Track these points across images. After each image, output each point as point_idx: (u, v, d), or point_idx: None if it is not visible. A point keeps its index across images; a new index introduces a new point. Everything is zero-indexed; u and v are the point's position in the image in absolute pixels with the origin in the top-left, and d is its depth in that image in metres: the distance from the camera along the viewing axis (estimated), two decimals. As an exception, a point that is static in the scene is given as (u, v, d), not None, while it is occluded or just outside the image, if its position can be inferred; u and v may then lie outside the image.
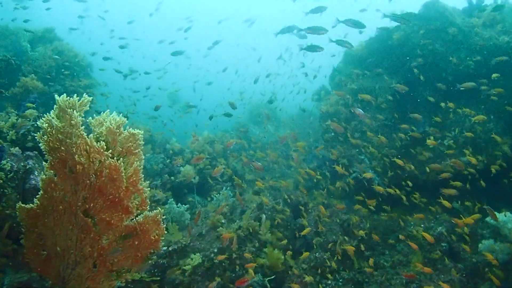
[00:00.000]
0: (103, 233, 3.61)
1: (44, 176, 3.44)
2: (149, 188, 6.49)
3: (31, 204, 3.41)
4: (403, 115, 7.74)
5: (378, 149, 7.64)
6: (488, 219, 5.86)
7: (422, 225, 6.86)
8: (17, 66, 8.72)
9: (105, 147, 3.21)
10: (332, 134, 8.37)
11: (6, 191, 4.14)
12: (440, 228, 6.67)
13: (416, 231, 6.73)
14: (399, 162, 6.78)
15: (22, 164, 4.54)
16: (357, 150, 7.99)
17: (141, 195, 3.46)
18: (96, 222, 3.56)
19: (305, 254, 6.35)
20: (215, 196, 7.78)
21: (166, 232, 6.30)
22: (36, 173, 4.58)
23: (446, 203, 6.09)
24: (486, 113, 6.88)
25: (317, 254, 6.49)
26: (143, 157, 3.53)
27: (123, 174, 3.25)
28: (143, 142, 3.50)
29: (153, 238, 3.75)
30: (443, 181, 6.82)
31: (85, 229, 3.51)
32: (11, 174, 4.31)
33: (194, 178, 8.68)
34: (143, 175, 3.47)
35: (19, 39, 10.36)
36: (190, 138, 10.34)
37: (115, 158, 3.25)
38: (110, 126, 3.35)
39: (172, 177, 8.46)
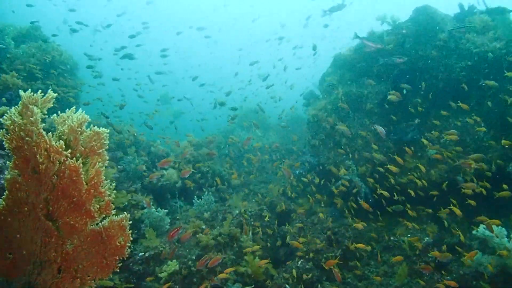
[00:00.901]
0: (67, 237, 3.42)
1: (8, 176, 3.25)
2: (127, 193, 6.27)
3: None
4: (392, 121, 7.58)
5: (366, 155, 7.46)
6: (475, 231, 5.68)
7: (409, 235, 6.67)
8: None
9: (63, 146, 2.99)
10: (319, 139, 8.18)
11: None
12: (427, 238, 6.49)
13: (402, 241, 6.56)
14: (394, 169, 6.59)
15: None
16: (344, 156, 7.81)
17: (103, 198, 3.24)
18: (60, 226, 3.34)
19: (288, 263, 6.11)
20: (196, 201, 7.56)
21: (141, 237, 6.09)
22: (6, 172, 4.39)
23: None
24: (477, 121, 6.73)
25: (299, 263, 6.28)
26: (107, 157, 3.30)
27: (82, 175, 3.03)
28: (108, 142, 3.28)
29: (118, 244, 3.52)
30: (431, 190, 6.69)
31: (49, 233, 3.32)
32: None
33: (177, 182, 8.45)
34: (104, 177, 3.24)
35: (3, 35, 10.16)
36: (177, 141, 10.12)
37: (74, 158, 3.03)
38: (71, 124, 3.13)
39: (154, 181, 8.22)
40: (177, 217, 7.44)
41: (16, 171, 3.28)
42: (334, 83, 8.27)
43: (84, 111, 3.29)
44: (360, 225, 6.42)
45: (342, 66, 8.60)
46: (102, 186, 3.26)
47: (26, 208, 3.29)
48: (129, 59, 9.79)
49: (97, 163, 3.31)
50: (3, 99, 6.87)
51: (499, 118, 6.67)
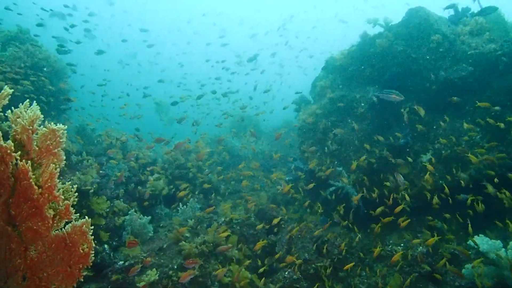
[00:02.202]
0: (30, 243, 3.18)
1: None
2: (107, 199, 6.02)
3: None
4: (384, 126, 7.35)
5: (356, 161, 7.23)
6: (470, 242, 5.41)
7: (402, 244, 6.41)
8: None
9: (12, 147, 2.77)
10: (310, 145, 7.95)
11: None
12: (421, 248, 6.22)
13: (395, 250, 6.29)
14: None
15: None
16: (336, 162, 7.57)
17: (58, 203, 3.00)
18: (22, 231, 3.11)
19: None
20: (181, 208, 7.30)
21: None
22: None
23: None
24: (473, 125, 6.50)
25: (286, 273, 6.01)
26: (64, 157, 3.07)
27: (31, 179, 2.79)
28: (65, 139, 3.05)
29: (82, 251, 3.28)
30: (426, 197, 6.44)
31: (11, 238, 3.10)
32: None
33: (163, 189, 8.19)
34: (58, 181, 3.01)
35: (-13, 38, 9.99)
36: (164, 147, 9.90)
37: (24, 160, 2.81)
38: (22, 122, 2.90)
39: (140, 187, 7.97)
40: (161, 224, 7.18)
41: None
42: (325, 86, 8.07)
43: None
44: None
45: (334, 70, 8.41)
46: (57, 190, 3.03)
47: (-2, 211, 3.10)
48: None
49: (51, 164, 3.08)
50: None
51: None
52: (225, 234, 6.28)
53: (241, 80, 16.13)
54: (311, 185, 7.38)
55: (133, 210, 6.77)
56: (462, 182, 6.19)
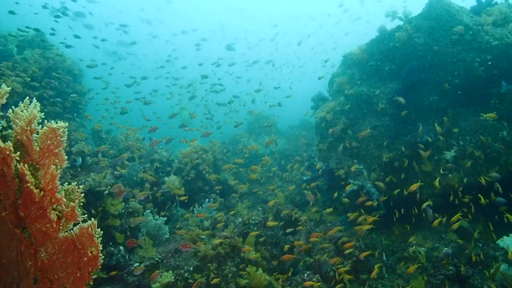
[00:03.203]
0: (40, 245, 3.09)
1: None
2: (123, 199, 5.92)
3: None
4: (406, 122, 7.09)
5: (378, 160, 6.99)
6: (500, 241, 5.13)
7: (426, 246, 6.14)
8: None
9: (11, 148, 2.67)
10: (328, 143, 7.73)
11: None
12: (446, 249, 5.96)
13: (419, 252, 6.03)
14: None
15: None
16: (355, 160, 7.34)
17: (61, 205, 2.88)
18: (32, 233, 3.02)
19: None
20: (197, 209, 7.17)
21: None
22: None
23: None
24: (499, 120, 6.19)
25: (305, 275, 5.80)
26: (65, 157, 2.95)
27: (30, 182, 2.70)
28: (66, 138, 2.94)
29: (91, 254, 3.16)
30: (451, 195, 6.18)
31: (21, 240, 3.01)
32: None
33: (180, 189, 8.08)
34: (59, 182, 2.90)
35: (7, 42, 10.08)
36: (180, 148, 9.79)
37: (22, 163, 2.72)
38: (20, 123, 2.80)
39: (155, 188, 7.88)
40: (177, 225, 7.06)
41: None
42: (343, 82, 7.83)
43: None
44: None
45: (352, 65, 8.17)
46: (59, 192, 2.92)
47: (3, 214, 3.03)
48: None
49: (51, 166, 2.97)
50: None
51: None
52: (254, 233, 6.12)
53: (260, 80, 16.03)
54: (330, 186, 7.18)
55: (149, 211, 6.67)
56: (483, 180, 5.91)
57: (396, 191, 6.50)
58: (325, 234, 6.62)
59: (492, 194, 5.81)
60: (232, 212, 7.38)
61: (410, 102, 6.94)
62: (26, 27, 9.83)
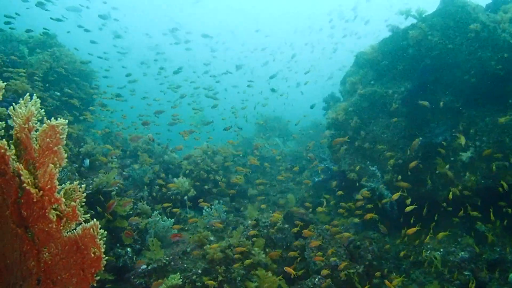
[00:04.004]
0: (43, 245, 3.02)
1: None
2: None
3: None
4: (421, 122, 6.91)
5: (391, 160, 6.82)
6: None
7: (442, 250, 5.96)
8: (6, 70, 8.37)
9: (5, 146, 2.61)
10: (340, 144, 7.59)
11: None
12: (462, 253, 5.77)
13: (434, 256, 5.85)
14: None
15: None
16: (368, 162, 7.18)
17: (61, 205, 2.81)
18: (35, 232, 2.96)
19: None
20: (206, 210, 7.08)
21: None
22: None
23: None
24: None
25: (316, 280, 5.66)
26: (65, 156, 2.88)
27: (27, 180, 2.64)
28: (65, 136, 2.87)
29: (93, 255, 3.08)
30: (466, 197, 5.99)
31: (23, 240, 2.96)
32: None
33: (189, 191, 8.01)
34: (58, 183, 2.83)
35: (18, 44, 10.15)
36: (190, 150, 9.73)
37: (17, 162, 2.67)
38: (17, 120, 2.74)
39: (164, 189, 7.81)
40: (186, 227, 6.98)
41: None
42: (356, 82, 7.68)
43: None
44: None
45: (365, 65, 8.01)
46: (57, 192, 2.84)
47: (6, 213, 2.98)
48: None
49: (50, 164, 2.89)
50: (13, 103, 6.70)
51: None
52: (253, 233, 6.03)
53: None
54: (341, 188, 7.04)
55: (157, 212, 6.60)
56: (505, 185, 5.71)
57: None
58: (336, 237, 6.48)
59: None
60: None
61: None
62: (44, 28, 9.94)
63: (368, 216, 6.17)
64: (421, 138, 6.50)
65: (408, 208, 5.85)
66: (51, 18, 10.82)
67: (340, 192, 7.31)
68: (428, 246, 6.08)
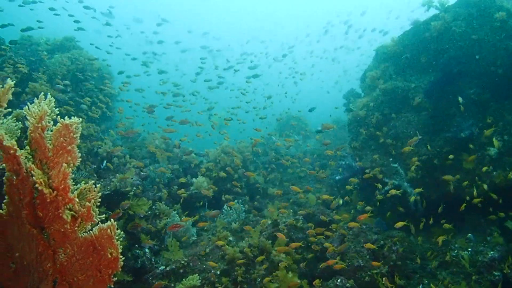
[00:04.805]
0: (59, 246, 3.02)
1: (5, 178, 2.94)
2: (147, 200, 5.86)
3: (0, 210, 2.97)
4: (445, 117, 6.70)
5: (415, 157, 6.64)
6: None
7: (470, 249, 5.75)
8: (28, 73, 8.50)
9: (15, 146, 2.61)
10: (361, 141, 7.44)
11: (-27, 194, 3.72)
12: (492, 252, 5.56)
13: (461, 256, 5.65)
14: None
15: (0, 167, 4.17)
16: (391, 159, 7.01)
17: (74, 206, 2.78)
18: (51, 233, 2.96)
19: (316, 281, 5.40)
20: (225, 210, 7.03)
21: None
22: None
23: None
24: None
25: (338, 281, 5.53)
26: (79, 155, 2.85)
27: (39, 180, 2.62)
28: (79, 134, 2.84)
29: (110, 256, 3.06)
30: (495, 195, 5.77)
31: (38, 241, 2.96)
32: None
33: (208, 191, 7.98)
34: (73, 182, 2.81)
35: (37, 47, 10.34)
36: (210, 149, 9.71)
37: (30, 162, 2.66)
38: (31, 120, 2.72)
39: (183, 189, 7.80)
40: (205, 227, 6.94)
41: (11, 172, 2.99)
42: (376, 77, 7.52)
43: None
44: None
45: (386, 59, 7.82)
46: (71, 192, 2.82)
47: (22, 213, 2.99)
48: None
49: (63, 164, 2.87)
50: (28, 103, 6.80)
51: None
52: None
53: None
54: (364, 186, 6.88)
55: (176, 212, 6.58)
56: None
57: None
58: (359, 237, 6.34)
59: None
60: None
61: (448, 95, 6.57)
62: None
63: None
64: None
65: (440, 209, 5.71)
66: (75, 24, 11.03)
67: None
68: (456, 246, 5.89)
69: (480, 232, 6.02)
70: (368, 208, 6.58)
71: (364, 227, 6.51)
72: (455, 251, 5.82)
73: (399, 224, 5.75)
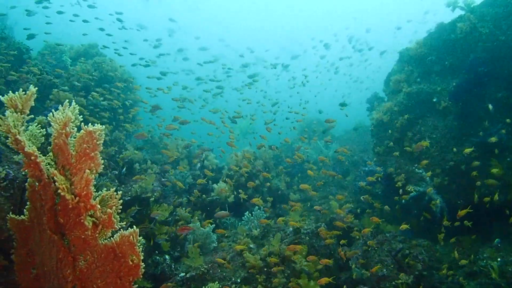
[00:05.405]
0: (79, 252, 3.08)
1: (27, 184, 3.02)
2: (168, 205, 5.90)
3: (22, 216, 3.12)
4: (473, 121, 6.53)
5: (441, 163, 6.50)
6: None
7: (499, 259, 5.57)
8: (50, 80, 8.72)
9: (36, 152, 2.68)
10: (385, 146, 7.32)
11: (-3, 200, 3.82)
12: (524, 263, 5.37)
13: (491, 266, 5.48)
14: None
15: (23, 173, 4.29)
16: (416, 164, 6.87)
17: (96, 212, 2.82)
18: (71, 240, 3.01)
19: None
20: (246, 216, 7.02)
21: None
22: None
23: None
24: None
25: (361, 290, 5.45)
26: (102, 161, 2.89)
27: (61, 186, 2.67)
28: (102, 141, 2.88)
29: (131, 263, 3.08)
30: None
31: (59, 247, 3.02)
32: (5, 183, 3.99)
33: (229, 197, 7.99)
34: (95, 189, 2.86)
35: (61, 54, 10.60)
36: (230, 155, 9.72)
37: (53, 168, 2.72)
38: (55, 126, 2.78)
39: (204, 195, 7.83)
40: (226, 234, 6.94)
41: (33, 178, 3.07)
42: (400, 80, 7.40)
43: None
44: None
45: (410, 62, 7.70)
46: (93, 198, 2.86)
47: (44, 219, 3.06)
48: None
49: (86, 170, 2.91)
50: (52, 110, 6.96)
51: None
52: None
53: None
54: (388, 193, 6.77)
55: (196, 218, 6.61)
56: None
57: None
58: (383, 245, 6.23)
59: None
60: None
61: (475, 98, 6.40)
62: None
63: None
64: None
65: (462, 212, 5.55)
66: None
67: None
68: (484, 255, 5.72)
69: (510, 241, 5.83)
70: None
71: (388, 235, 6.40)
72: (484, 261, 5.65)
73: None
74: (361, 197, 7.60)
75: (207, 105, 12.52)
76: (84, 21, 11.21)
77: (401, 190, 6.78)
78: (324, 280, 5.31)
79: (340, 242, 6.46)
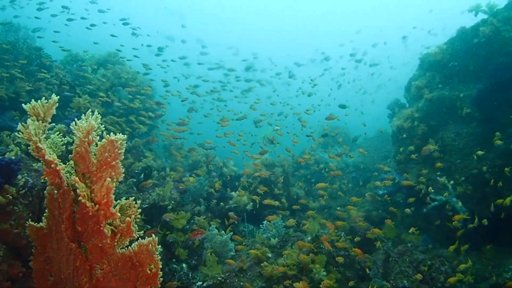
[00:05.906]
0: (96, 261, 3.12)
1: (46, 192, 3.09)
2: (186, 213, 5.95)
3: (41, 223, 3.15)
4: (497, 128, 6.39)
5: (465, 171, 6.38)
6: None
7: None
8: (73, 88, 8.93)
9: (56, 160, 2.74)
10: (406, 154, 7.23)
11: (16, 208, 3.86)
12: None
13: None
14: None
15: (42, 180, 4.39)
16: (438, 173, 6.76)
17: (115, 220, 2.85)
18: (88, 248, 3.06)
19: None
20: (264, 225, 7.01)
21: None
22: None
23: None
24: None
25: (382, 302, 5.38)
26: (122, 170, 2.93)
27: (82, 194, 2.72)
28: (124, 150, 2.93)
29: (150, 272, 3.11)
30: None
31: (76, 255, 3.07)
32: (24, 190, 4.08)
33: (247, 205, 8.00)
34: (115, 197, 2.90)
35: (82, 63, 10.83)
36: (249, 162, 9.74)
37: (73, 175, 2.77)
38: (78, 134, 2.84)
39: (222, 203, 7.86)
40: (244, 242, 6.94)
41: (53, 186, 3.14)
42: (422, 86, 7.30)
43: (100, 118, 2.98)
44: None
45: (431, 67, 7.60)
46: (113, 206, 2.90)
47: (62, 227, 3.12)
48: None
49: (107, 178, 2.95)
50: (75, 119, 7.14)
51: None
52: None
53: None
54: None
55: (214, 226, 6.63)
56: None
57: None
58: (404, 255, 6.13)
59: None
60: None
61: (499, 103, 6.27)
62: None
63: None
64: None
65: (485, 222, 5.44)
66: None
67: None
68: (510, 267, 5.57)
69: None
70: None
71: (410, 245, 6.30)
72: (509, 273, 5.50)
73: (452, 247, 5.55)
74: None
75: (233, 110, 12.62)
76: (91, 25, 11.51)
77: (426, 198, 6.69)
78: None
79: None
